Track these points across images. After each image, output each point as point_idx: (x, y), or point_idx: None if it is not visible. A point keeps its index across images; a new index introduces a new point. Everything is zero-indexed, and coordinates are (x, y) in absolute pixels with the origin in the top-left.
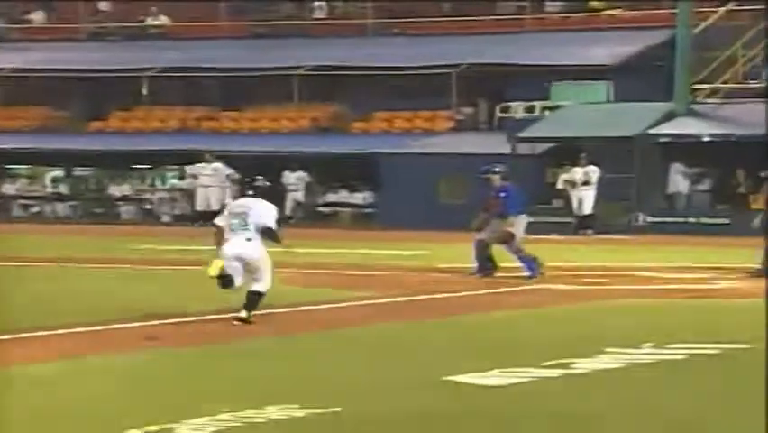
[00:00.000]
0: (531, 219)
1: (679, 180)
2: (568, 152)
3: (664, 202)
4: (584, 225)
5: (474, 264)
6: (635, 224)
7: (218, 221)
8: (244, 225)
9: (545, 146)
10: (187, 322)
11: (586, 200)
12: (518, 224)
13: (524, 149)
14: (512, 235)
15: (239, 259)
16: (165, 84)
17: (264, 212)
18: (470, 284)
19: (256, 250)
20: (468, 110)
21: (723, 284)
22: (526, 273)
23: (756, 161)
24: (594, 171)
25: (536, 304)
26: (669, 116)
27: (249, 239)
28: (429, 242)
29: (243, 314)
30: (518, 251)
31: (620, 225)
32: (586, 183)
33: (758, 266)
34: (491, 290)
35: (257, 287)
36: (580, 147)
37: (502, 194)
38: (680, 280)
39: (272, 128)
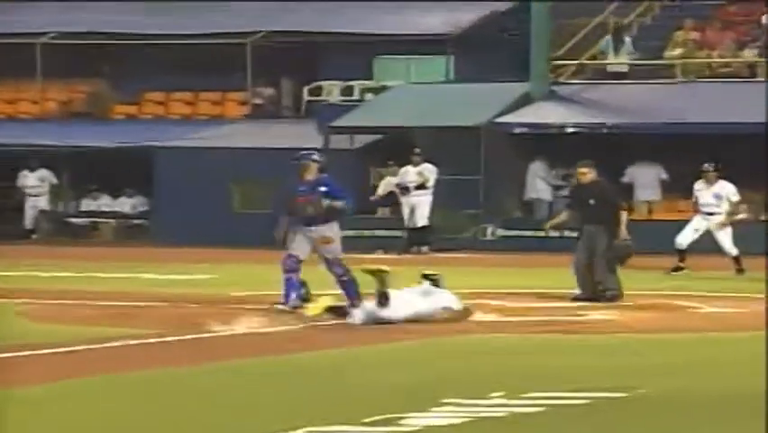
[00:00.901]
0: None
1: (538, 183)
2: (397, 146)
3: (520, 211)
4: (418, 239)
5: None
6: (483, 238)
7: None
8: None
9: (368, 139)
10: None
11: (420, 209)
12: (337, 231)
13: (340, 142)
14: (329, 240)
15: None
16: None
17: None
18: (269, 319)
19: None
20: (268, 91)
21: (594, 315)
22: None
23: (637, 157)
24: (430, 171)
25: (355, 342)
26: (524, 100)
27: None
28: (218, 262)
29: None
30: (341, 269)
31: (464, 240)
32: (421, 187)
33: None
34: (293, 326)
35: None
36: (412, 140)
37: (322, 188)
38: (538, 310)
39: (6, 113)
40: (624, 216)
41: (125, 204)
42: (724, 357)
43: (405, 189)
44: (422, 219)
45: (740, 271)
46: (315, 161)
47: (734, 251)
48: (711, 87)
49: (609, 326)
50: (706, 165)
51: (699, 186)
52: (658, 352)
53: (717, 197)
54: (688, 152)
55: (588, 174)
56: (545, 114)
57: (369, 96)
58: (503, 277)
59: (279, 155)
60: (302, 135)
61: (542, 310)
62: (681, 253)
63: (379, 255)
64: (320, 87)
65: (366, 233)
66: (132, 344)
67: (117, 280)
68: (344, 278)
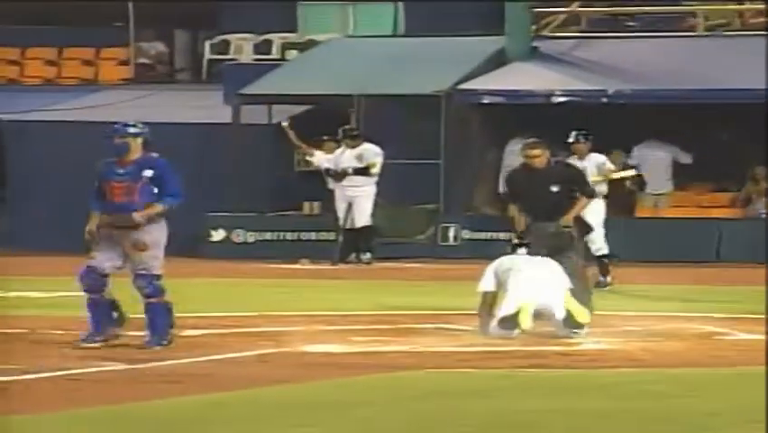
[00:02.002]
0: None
1: None
2: (330, 120)
3: (492, 207)
4: (357, 244)
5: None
6: (444, 243)
7: None
8: None
9: (291, 110)
10: None
11: (360, 203)
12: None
13: (254, 115)
14: (144, 247)
15: None
16: None
17: None
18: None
19: None
20: (156, 47)
21: (587, 344)
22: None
23: (645, 135)
24: (374, 154)
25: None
26: (498, 60)
27: None
28: None
29: None
30: (152, 288)
31: (419, 244)
32: (361, 173)
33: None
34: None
35: None
36: (349, 113)
37: (147, 172)
38: (516, 337)
39: None
40: (582, 203)
41: None
42: None
43: (338, 176)
44: (362, 217)
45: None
46: (135, 134)
47: (600, 250)
48: (742, 42)
49: (610, 358)
50: (575, 134)
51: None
52: (681, 392)
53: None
54: (712, 128)
55: (542, 156)
56: (526, 78)
57: (292, 53)
58: (470, 294)
59: (173, 132)
60: (203, 106)
61: (522, 338)
62: (603, 261)
63: (305, 266)
64: (226, 43)
65: (288, 236)
66: None
67: None
68: (153, 301)
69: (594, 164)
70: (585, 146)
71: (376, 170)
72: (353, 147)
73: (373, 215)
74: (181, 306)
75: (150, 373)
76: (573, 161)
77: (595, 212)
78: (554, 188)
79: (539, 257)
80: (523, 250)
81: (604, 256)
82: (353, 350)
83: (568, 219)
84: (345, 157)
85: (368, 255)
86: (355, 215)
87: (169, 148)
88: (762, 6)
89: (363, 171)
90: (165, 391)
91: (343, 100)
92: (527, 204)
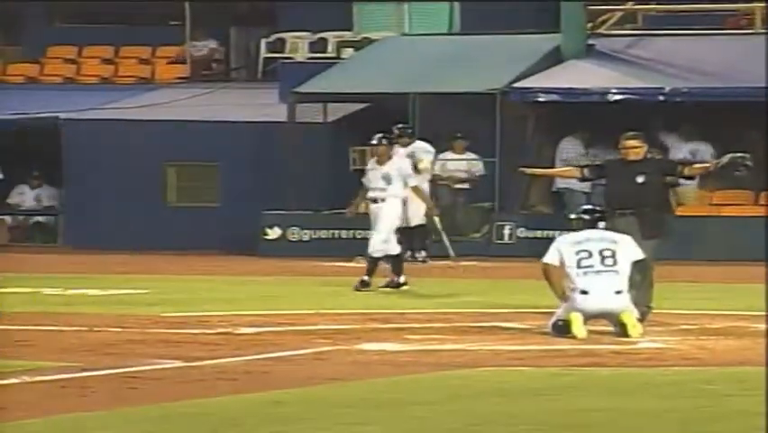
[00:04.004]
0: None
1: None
2: (384, 118)
3: (548, 205)
4: (412, 243)
5: None
6: (499, 241)
7: None
8: None
9: (347, 109)
10: None
11: (413, 202)
12: None
13: (309, 113)
14: None
15: None
16: None
17: None
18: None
19: None
20: (212, 46)
21: (644, 342)
22: None
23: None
24: (425, 152)
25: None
26: (554, 59)
27: None
28: (147, 272)
29: None
30: None
31: (473, 242)
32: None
33: None
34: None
35: None
36: (406, 111)
37: None
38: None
39: None
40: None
41: (25, 196)
42: None
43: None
44: (416, 216)
45: (395, 280)
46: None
47: (377, 253)
48: None
49: (666, 356)
50: (398, 128)
51: (371, 164)
52: (737, 391)
53: (386, 178)
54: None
55: (640, 148)
56: (581, 76)
57: (347, 51)
58: (525, 292)
59: (228, 131)
60: (259, 104)
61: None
62: (370, 263)
63: (360, 264)
64: (282, 41)
65: (343, 234)
66: (30, 381)
67: (10, 296)
68: None
69: (393, 168)
70: (386, 147)
71: (423, 165)
72: (405, 146)
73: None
74: (237, 304)
75: (207, 370)
76: (372, 163)
77: None
78: (639, 180)
79: (613, 234)
80: (602, 224)
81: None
82: (409, 348)
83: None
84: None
85: (423, 254)
86: (409, 213)
87: (224, 147)
88: None
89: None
90: (221, 388)
91: (399, 99)
92: (614, 193)
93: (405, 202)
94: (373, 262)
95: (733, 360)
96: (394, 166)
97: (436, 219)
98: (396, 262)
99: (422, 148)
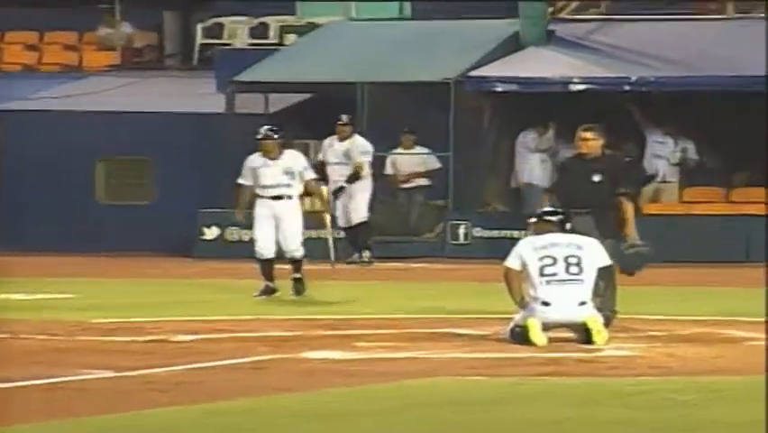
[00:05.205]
0: None
1: (533, 162)
2: (330, 109)
3: (505, 202)
4: (356, 242)
5: None
6: (453, 241)
7: None
8: None
9: (290, 99)
10: None
11: (356, 199)
12: None
13: (249, 103)
14: None
15: None
16: None
17: None
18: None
19: None
20: (144, 32)
21: (608, 350)
22: None
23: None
24: (363, 153)
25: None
26: (512, 46)
27: None
28: (75, 275)
29: None
30: None
31: (426, 243)
32: (354, 174)
33: None
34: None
35: None
36: (352, 101)
37: None
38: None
39: None
40: (630, 209)
41: None
42: None
43: (336, 192)
44: (358, 213)
45: (297, 283)
46: None
47: (299, 251)
48: None
49: (633, 365)
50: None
51: (258, 160)
52: (708, 402)
53: (289, 173)
54: (740, 117)
55: (594, 141)
56: (542, 64)
57: (290, 38)
58: (481, 296)
59: (162, 123)
60: (195, 94)
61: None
62: (265, 266)
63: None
64: (220, 26)
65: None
66: None
67: None
68: None
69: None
70: (275, 143)
71: (365, 172)
72: (344, 140)
73: (371, 209)
74: (172, 309)
75: (139, 381)
76: (259, 159)
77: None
78: (596, 179)
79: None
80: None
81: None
82: (357, 357)
83: (632, 234)
84: (335, 149)
85: (366, 254)
86: (351, 210)
87: (158, 140)
88: None
89: (354, 176)
90: (154, 400)
91: (346, 88)
92: (566, 192)
93: (347, 199)
94: (299, 262)
95: (704, 369)
96: (296, 160)
97: (327, 217)
98: (300, 263)
99: (360, 146)
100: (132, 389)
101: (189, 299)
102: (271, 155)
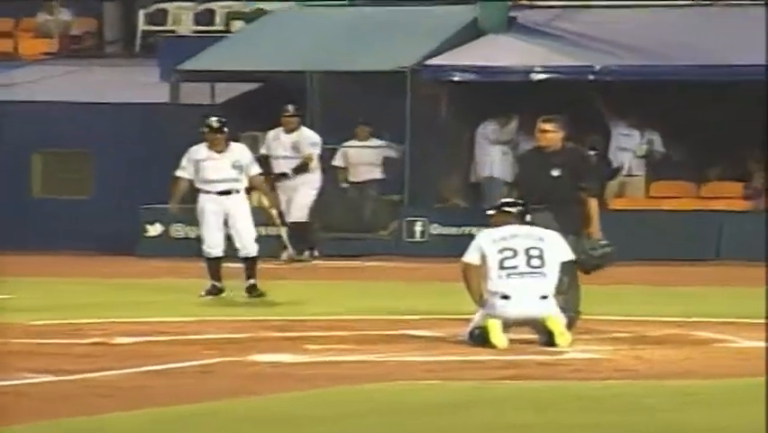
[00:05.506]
0: None
1: (493, 155)
2: (278, 99)
3: (464, 197)
4: (301, 239)
5: None
6: (409, 239)
7: None
8: None
9: (237, 89)
10: None
11: (299, 194)
12: None
13: (194, 93)
14: None
15: None
16: None
17: None
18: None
19: None
20: (83, 18)
21: (572, 353)
22: None
23: (646, 117)
24: (311, 145)
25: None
26: (471, 33)
27: None
28: (8, 274)
29: None
30: None
31: (380, 240)
32: (301, 165)
33: None
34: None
35: None
36: (302, 90)
37: None
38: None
39: None
40: (595, 205)
41: None
42: None
43: (277, 178)
44: (298, 211)
45: (251, 289)
46: None
47: (254, 249)
48: (742, 13)
49: (598, 368)
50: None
51: (202, 153)
52: (676, 406)
53: (237, 167)
54: (708, 108)
55: (554, 134)
56: (502, 52)
57: (237, 24)
58: (438, 296)
59: (103, 113)
60: (137, 83)
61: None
62: (213, 265)
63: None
64: (163, 12)
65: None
66: None
67: None
68: None
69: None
70: (221, 137)
71: (314, 165)
72: (291, 132)
73: (315, 207)
74: (113, 310)
75: (80, 385)
76: (205, 152)
77: None
78: (555, 173)
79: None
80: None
81: None
82: (308, 360)
83: (596, 232)
84: (281, 142)
85: (308, 252)
86: (294, 206)
87: (98, 131)
88: None
89: (301, 163)
90: (97, 405)
91: (296, 77)
92: (527, 187)
93: (292, 192)
94: (253, 261)
95: (673, 372)
96: (243, 153)
97: (274, 213)
98: (255, 262)
99: (308, 138)
100: (74, 393)
101: (133, 300)
102: (218, 148)
